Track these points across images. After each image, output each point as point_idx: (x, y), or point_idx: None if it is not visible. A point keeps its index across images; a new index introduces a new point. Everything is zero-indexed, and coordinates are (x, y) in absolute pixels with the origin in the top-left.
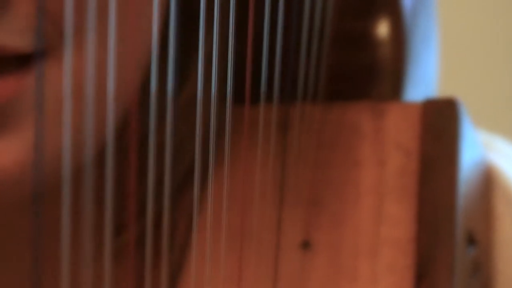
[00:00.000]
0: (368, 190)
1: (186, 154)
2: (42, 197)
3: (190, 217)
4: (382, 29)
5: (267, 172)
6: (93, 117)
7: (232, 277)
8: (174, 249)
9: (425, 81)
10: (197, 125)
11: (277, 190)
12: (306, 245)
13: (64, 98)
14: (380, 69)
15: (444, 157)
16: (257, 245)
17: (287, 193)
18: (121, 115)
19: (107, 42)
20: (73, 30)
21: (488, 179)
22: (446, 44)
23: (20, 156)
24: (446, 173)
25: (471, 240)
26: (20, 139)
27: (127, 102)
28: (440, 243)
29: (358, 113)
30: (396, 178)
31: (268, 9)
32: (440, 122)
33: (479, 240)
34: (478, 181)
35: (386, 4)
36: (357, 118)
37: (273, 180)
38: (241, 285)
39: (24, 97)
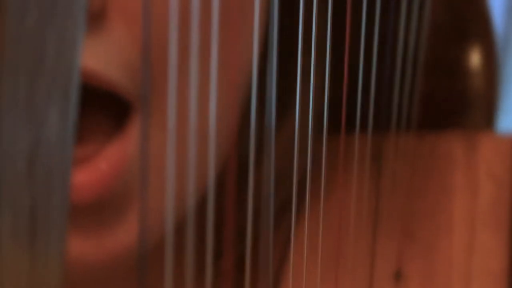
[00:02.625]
0: (460, 220)
1: (283, 185)
2: (147, 261)
3: (286, 246)
4: (475, 57)
5: (361, 202)
6: (196, 164)
7: None
8: (270, 277)
9: None
10: (295, 158)
11: (371, 219)
12: (398, 275)
13: (167, 155)
14: (473, 98)
15: None
16: (351, 275)
17: (381, 223)
18: (223, 158)
19: (208, 83)
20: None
21: None
22: None
23: (131, 237)
24: None
25: None
26: (131, 219)
27: (228, 143)
28: None
29: (451, 143)
30: (488, 208)
31: (363, 39)
32: None
33: None
34: None
35: (478, 32)
36: (450, 148)
37: (368, 210)
38: None
39: (129, 167)
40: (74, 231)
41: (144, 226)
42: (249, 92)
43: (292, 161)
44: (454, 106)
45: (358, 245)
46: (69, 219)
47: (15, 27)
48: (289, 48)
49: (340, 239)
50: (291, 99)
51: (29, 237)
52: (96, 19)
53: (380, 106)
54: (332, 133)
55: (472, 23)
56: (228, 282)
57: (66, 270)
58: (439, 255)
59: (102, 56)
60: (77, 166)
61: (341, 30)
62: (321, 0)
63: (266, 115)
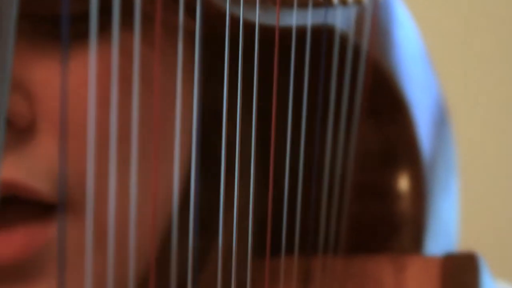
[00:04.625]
0: None
1: None
2: None
3: None
4: (402, 182)
5: None
6: (114, 271)
7: None
8: None
9: (445, 232)
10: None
11: None
12: None
13: (86, 250)
14: (401, 221)
15: None
16: None
17: None
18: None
19: (129, 199)
20: (94, 183)
21: None
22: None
23: None
24: None
25: None
26: None
27: (146, 262)
28: None
29: (380, 266)
30: None
31: (288, 161)
32: (461, 276)
33: None
34: None
35: (406, 157)
36: (378, 271)
37: None
38: None
39: (49, 248)
40: None
41: None
42: (170, 223)
43: None
44: (382, 229)
45: None
46: None
47: None
48: (212, 175)
49: None
50: (215, 224)
51: None
52: (24, 133)
53: (307, 229)
54: (258, 257)
55: (401, 147)
56: None
57: None
58: None
59: (26, 167)
60: None
61: (266, 152)
62: (245, 122)
63: (190, 246)
